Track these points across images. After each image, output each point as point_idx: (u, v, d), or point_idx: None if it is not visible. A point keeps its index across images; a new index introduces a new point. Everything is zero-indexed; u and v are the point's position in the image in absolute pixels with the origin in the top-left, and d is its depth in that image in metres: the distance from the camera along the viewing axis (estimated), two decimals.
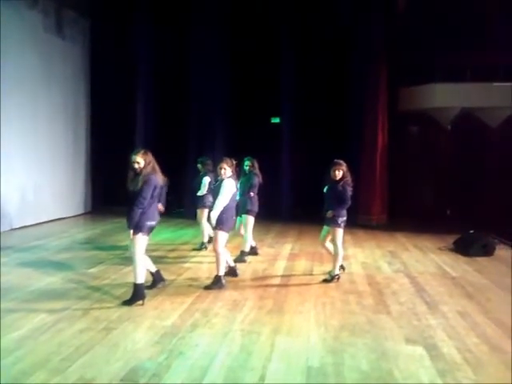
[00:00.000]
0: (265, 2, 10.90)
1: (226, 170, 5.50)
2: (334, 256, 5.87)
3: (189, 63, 11.15)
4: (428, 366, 3.54)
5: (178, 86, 11.35)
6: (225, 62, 11.14)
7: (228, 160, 5.61)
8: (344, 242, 6.26)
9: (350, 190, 5.75)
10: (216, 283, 5.41)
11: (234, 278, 5.81)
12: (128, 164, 4.83)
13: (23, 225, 9.37)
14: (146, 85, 11.32)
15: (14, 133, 9.13)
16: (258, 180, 7.00)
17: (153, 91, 11.35)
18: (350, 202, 5.78)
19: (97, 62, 11.75)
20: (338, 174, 5.72)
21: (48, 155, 10.26)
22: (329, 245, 6.01)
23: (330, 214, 5.78)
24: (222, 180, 5.48)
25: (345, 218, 5.82)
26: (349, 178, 5.78)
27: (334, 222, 5.78)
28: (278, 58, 11.10)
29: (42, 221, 9.96)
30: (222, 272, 5.46)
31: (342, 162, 5.81)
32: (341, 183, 5.71)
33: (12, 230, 9.04)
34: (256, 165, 7.08)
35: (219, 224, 5.37)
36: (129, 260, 5.02)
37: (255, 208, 6.93)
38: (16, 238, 8.41)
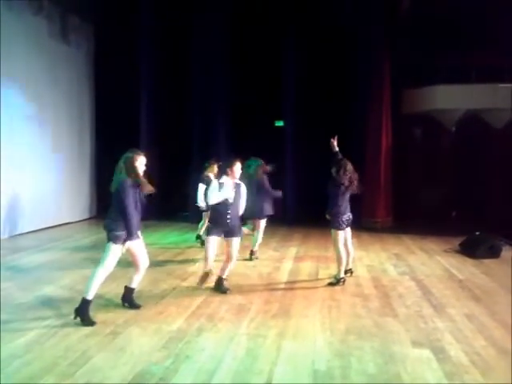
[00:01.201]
0: (266, 5, 10.92)
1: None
2: (337, 259, 5.85)
3: (192, 67, 11.21)
4: (435, 368, 3.52)
5: (181, 89, 11.41)
6: (227, 65, 11.18)
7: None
8: (351, 243, 6.23)
9: (339, 188, 5.60)
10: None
11: (239, 282, 5.81)
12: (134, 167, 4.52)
13: (28, 230, 9.39)
14: (149, 89, 11.38)
15: (19, 137, 9.17)
16: (264, 182, 7.13)
17: (156, 95, 11.41)
18: (338, 201, 5.62)
19: (101, 67, 11.82)
20: (332, 172, 5.74)
21: (53, 160, 10.32)
22: (347, 246, 5.98)
23: (327, 215, 5.78)
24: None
25: (343, 218, 5.68)
26: (338, 176, 5.61)
27: (331, 223, 5.76)
28: (280, 60, 11.14)
29: (47, 226, 9.99)
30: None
31: (338, 158, 5.81)
32: (331, 180, 5.72)
33: (17, 235, 9.07)
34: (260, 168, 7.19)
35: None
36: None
37: (264, 211, 7.10)
38: (22, 243, 8.44)
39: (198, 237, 8.31)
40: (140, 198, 4.52)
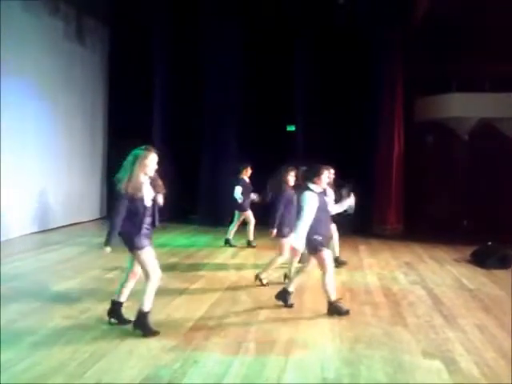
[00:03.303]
0: (279, 12, 10.92)
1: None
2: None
3: (205, 69, 11.26)
4: (446, 380, 3.48)
5: (194, 91, 11.44)
6: (240, 67, 11.20)
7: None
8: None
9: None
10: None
11: (249, 287, 5.81)
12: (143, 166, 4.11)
13: (40, 229, 9.45)
14: (162, 90, 11.48)
15: (32, 137, 9.24)
16: None
17: (169, 96, 11.50)
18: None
19: (115, 69, 11.93)
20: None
21: (65, 160, 10.39)
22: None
23: None
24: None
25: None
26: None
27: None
28: (293, 64, 11.16)
29: (58, 225, 10.04)
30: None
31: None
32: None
33: (28, 234, 9.13)
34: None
35: None
36: None
37: None
38: (34, 242, 8.50)
39: (227, 241, 8.41)
40: (142, 205, 4.05)
